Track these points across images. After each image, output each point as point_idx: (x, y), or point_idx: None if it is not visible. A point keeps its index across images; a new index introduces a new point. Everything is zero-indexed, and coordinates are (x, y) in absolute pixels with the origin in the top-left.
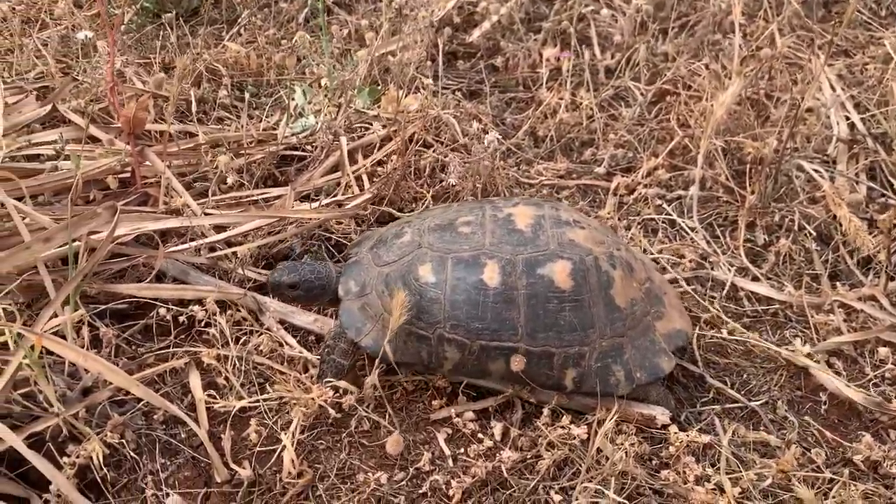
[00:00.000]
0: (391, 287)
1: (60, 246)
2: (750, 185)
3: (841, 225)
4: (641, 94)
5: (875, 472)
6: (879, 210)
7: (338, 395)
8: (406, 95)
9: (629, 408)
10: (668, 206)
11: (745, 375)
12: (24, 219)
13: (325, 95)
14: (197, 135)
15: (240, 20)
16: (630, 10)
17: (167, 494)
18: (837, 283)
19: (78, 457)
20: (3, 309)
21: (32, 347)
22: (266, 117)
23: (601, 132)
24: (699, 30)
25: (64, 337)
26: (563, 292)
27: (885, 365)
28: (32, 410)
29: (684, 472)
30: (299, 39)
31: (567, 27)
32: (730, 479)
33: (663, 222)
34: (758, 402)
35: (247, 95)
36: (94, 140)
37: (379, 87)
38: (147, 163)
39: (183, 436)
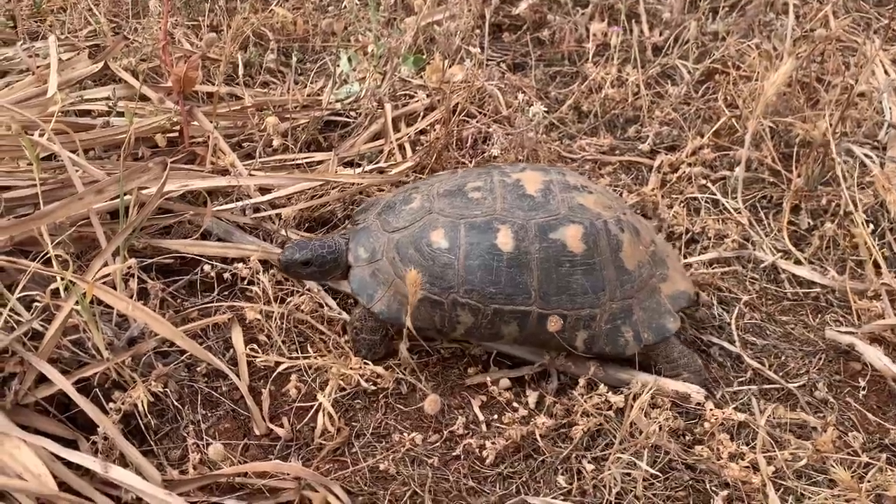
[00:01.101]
0: (403, 252)
1: (112, 199)
2: (797, 167)
3: (889, 212)
4: (689, 72)
5: None
6: None
7: (375, 375)
8: (451, 65)
9: (664, 384)
10: (713, 185)
11: (783, 357)
12: (77, 171)
13: (371, 63)
14: (243, 98)
15: None
16: None
17: (208, 444)
18: (883, 270)
19: (123, 403)
20: (56, 256)
21: (84, 295)
22: (311, 83)
23: (646, 109)
24: (750, 9)
25: (113, 287)
26: (576, 256)
27: None
28: (80, 357)
29: (718, 449)
30: (348, 4)
31: (615, 2)
32: (765, 457)
33: (706, 202)
34: (796, 384)
35: (293, 61)
36: (144, 98)
37: (424, 56)
38: (195, 122)
39: (224, 389)
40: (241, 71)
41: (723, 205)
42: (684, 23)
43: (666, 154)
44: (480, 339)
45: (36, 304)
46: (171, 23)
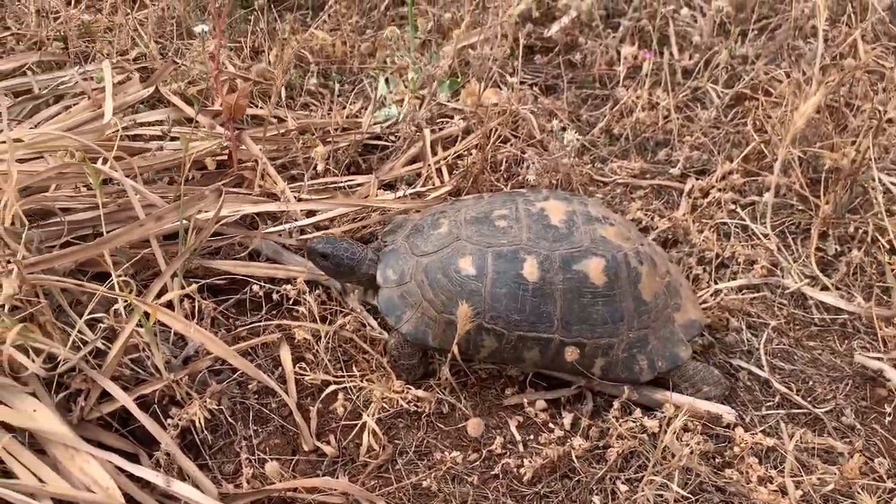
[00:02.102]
0: (431, 277)
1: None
2: (825, 194)
3: None
4: (719, 96)
5: None
6: None
7: (416, 399)
8: (485, 89)
9: (696, 406)
10: (742, 210)
11: (810, 383)
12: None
13: (408, 87)
14: (286, 120)
15: (326, 7)
16: (710, 11)
17: (259, 459)
18: None
19: (180, 419)
20: (118, 279)
21: (147, 316)
22: (350, 104)
23: (677, 133)
24: (780, 34)
25: (170, 307)
26: (597, 288)
27: None
28: (140, 374)
29: (747, 473)
30: (389, 33)
31: (646, 25)
32: (793, 481)
33: (736, 227)
34: (823, 410)
35: (336, 86)
36: (191, 119)
37: (459, 80)
38: (243, 147)
39: (273, 405)
40: (283, 93)
41: (752, 230)
42: (714, 46)
43: (696, 178)
44: (502, 361)
45: (100, 325)
46: (216, 44)
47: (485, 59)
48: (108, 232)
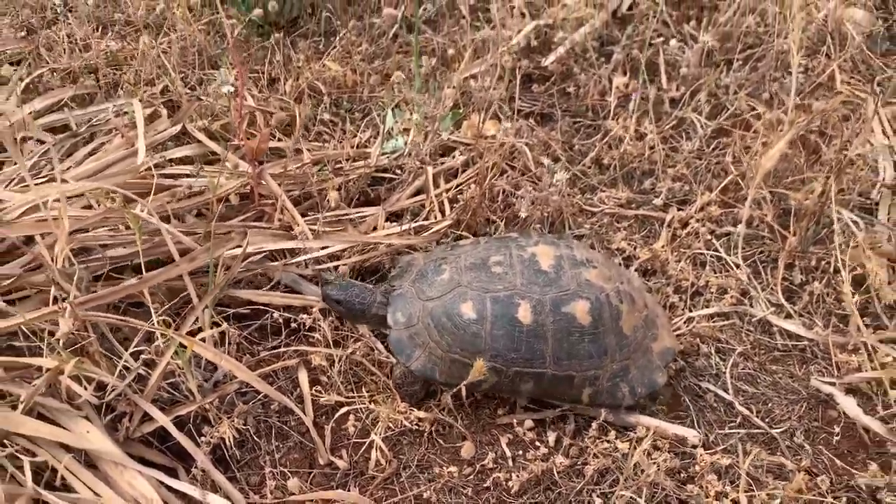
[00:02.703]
0: (436, 320)
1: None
2: (793, 226)
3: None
4: (702, 127)
5: (874, 499)
6: None
7: (418, 420)
8: (484, 121)
9: (664, 428)
10: (717, 241)
11: (769, 405)
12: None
13: (412, 120)
14: (302, 151)
15: (337, 36)
16: (696, 45)
17: (282, 473)
18: (865, 325)
19: (212, 437)
20: (156, 314)
21: (183, 347)
22: (360, 132)
23: (661, 164)
24: (762, 65)
25: (202, 338)
26: (584, 327)
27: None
28: (176, 397)
29: (706, 488)
30: (395, 77)
31: (637, 55)
32: (746, 496)
33: (711, 257)
34: (778, 430)
35: (346, 117)
36: (214, 153)
37: (461, 111)
38: (263, 182)
39: (293, 423)
40: (298, 123)
41: (725, 260)
42: (701, 77)
43: (677, 209)
44: (501, 393)
45: (142, 355)
46: (234, 75)
47: (485, 89)
48: (144, 266)
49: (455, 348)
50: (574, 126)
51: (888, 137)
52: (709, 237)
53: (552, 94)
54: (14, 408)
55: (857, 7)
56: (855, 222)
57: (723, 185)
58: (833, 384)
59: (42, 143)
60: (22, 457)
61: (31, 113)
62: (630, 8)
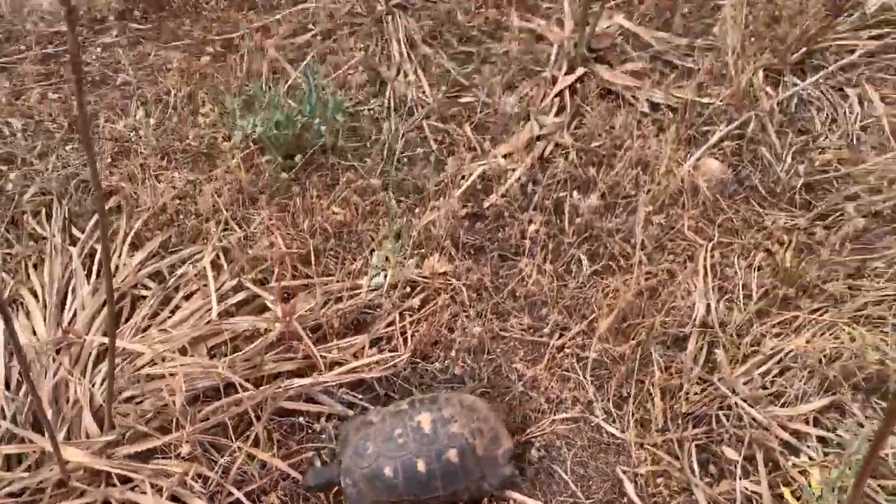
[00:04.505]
0: (370, 482)
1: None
2: (625, 360)
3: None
4: (586, 267)
5: None
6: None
7: None
8: (438, 261)
9: (523, 499)
10: (578, 364)
11: (590, 482)
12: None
13: (390, 262)
14: (316, 287)
15: (339, 180)
16: (591, 198)
17: None
18: (657, 430)
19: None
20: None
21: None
22: (353, 261)
23: (553, 297)
24: (631, 218)
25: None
26: (456, 464)
27: None
28: (244, 477)
29: None
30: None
31: (549, 206)
32: None
33: (573, 375)
34: (590, 501)
35: (346, 246)
36: (257, 296)
37: (425, 251)
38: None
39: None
40: (312, 257)
41: (580, 378)
42: (593, 224)
43: (559, 336)
44: None
45: (223, 456)
46: (260, 218)
47: (438, 230)
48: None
49: (383, 495)
50: (501, 259)
51: (706, 282)
52: (575, 360)
53: (490, 230)
54: (160, 493)
55: (715, 157)
56: (659, 362)
57: (588, 320)
58: (626, 471)
59: (148, 289)
60: None
61: (137, 266)
62: (551, 152)
